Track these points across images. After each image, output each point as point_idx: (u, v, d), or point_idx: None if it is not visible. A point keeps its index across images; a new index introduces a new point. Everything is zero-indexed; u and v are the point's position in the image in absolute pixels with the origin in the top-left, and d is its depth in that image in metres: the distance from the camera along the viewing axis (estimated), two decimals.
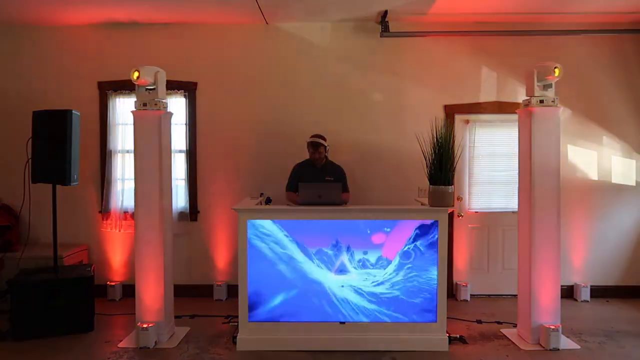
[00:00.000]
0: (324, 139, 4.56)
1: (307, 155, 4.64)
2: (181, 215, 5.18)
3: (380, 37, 4.97)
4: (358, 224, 3.87)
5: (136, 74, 3.79)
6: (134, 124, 4.00)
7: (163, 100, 4.03)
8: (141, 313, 3.98)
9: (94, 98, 5.19)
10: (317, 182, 4.28)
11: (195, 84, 5.19)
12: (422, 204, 4.08)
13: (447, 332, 3.92)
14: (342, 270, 3.85)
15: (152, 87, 3.98)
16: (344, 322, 3.86)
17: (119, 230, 5.15)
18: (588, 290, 5.11)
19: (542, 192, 3.93)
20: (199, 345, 3.98)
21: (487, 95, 5.17)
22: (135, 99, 4.00)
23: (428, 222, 3.84)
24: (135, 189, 4.01)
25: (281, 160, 4.88)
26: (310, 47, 5.18)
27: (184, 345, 3.97)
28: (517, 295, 4.24)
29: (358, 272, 3.85)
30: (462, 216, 5.20)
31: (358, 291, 3.86)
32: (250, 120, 5.18)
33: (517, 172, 4.17)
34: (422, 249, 3.84)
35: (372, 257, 3.84)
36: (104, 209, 5.16)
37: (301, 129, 4.91)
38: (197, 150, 5.22)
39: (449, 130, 3.95)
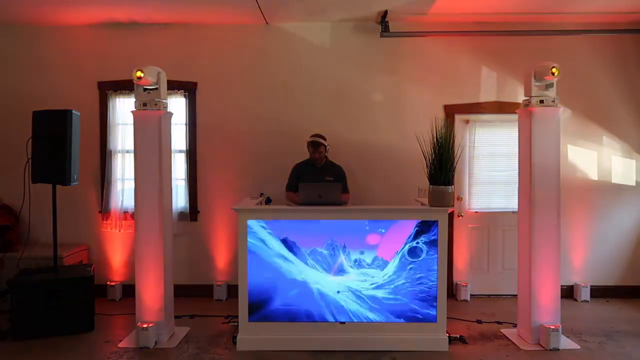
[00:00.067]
0: (324, 139, 4.56)
1: (307, 155, 4.64)
2: (181, 215, 5.18)
3: (380, 37, 4.97)
4: (358, 224, 3.86)
5: (140, 74, 3.79)
6: (134, 124, 4.00)
7: (163, 100, 4.03)
8: (141, 313, 3.98)
9: (94, 98, 5.19)
10: (317, 182, 4.28)
11: (195, 84, 5.19)
12: (422, 204, 4.08)
13: (447, 332, 3.92)
14: (340, 271, 3.85)
15: (152, 88, 3.98)
16: (344, 322, 3.86)
17: (119, 230, 5.15)
18: (588, 290, 5.11)
19: (542, 192, 3.93)
20: (199, 345, 3.98)
21: (487, 95, 5.17)
22: (135, 99, 3.99)
23: (428, 222, 3.83)
24: (135, 189, 4.01)
25: (281, 160, 4.87)
26: (310, 47, 5.18)
27: (184, 345, 3.97)
28: (517, 295, 4.24)
29: (356, 273, 3.84)
30: (462, 216, 5.20)
31: (357, 293, 3.85)
32: (250, 120, 5.18)
33: (517, 172, 4.17)
34: (421, 249, 3.84)
35: (368, 258, 3.84)
36: (104, 209, 5.16)
37: (301, 128, 4.91)
38: (197, 150, 5.22)
39: (449, 130, 3.95)
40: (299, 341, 3.84)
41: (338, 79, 5.17)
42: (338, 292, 3.86)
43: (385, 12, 4.78)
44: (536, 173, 3.93)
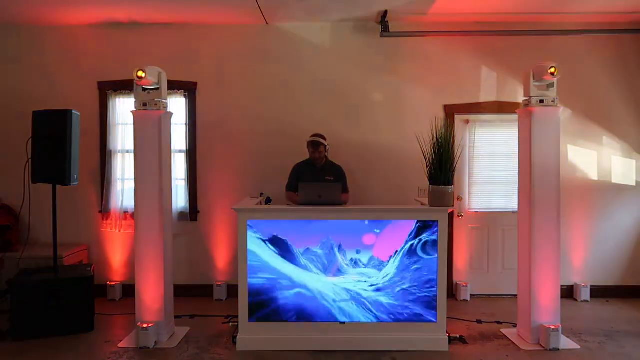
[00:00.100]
0: (324, 139, 4.56)
1: (307, 155, 4.64)
2: (181, 215, 5.18)
3: (380, 37, 4.97)
4: (358, 225, 3.86)
5: (141, 74, 3.79)
6: (134, 124, 4.00)
7: (163, 100, 4.03)
8: (141, 313, 3.98)
9: (94, 98, 5.19)
10: (317, 182, 4.28)
11: (195, 84, 5.19)
12: (422, 204, 4.08)
13: (447, 332, 3.92)
14: (338, 272, 3.85)
15: (153, 88, 3.98)
16: (344, 322, 3.86)
17: (119, 230, 5.15)
18: (588, 290, 5.11)
19: (542, 192, 3.93)
20: (199, 345, 3.98)
21: (487, 95, 5.17)
22: (135, 99, 3.99)
23: (428, 222, 3.83)
24: (135, 189, 4.01)
25: (281, 160, 4.87)
26: (310, 47, 5.18)
27: (184, 345, 3.97)
28: (517, 295, 4.24)
29: (354, 274, 3.84)
30: (462, 216, 5.20)
31: (356, 293, 3.86)
32: (250, 120, 5.18)
33: (517, 172, 4.17)
34: (421, 249, 3.84)
35: (367, 258, 3.84)
36: (104, 209, 5.16)
37: (301, 128, 4.91)
38: (197, 150, 5.22)
39: (449, 130, 3.95)
40: (299, 341, 3.84)
41: (338, 79, 5.17)
42: (337, 292, 3.86)
43: (385, 12, 4.78)
44: (536, 173, 3.93)
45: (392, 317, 3.85)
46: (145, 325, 3.89)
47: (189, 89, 5.17)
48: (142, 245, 3.99)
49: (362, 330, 3.86)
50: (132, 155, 4.35)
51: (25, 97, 5.06)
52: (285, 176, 4.65)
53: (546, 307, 3.93)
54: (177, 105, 5.11)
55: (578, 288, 5.14)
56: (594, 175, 5.21)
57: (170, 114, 4.17)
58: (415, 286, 3.84)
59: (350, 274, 3.85)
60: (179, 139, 5.15)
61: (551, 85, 3.92)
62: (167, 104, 4.11)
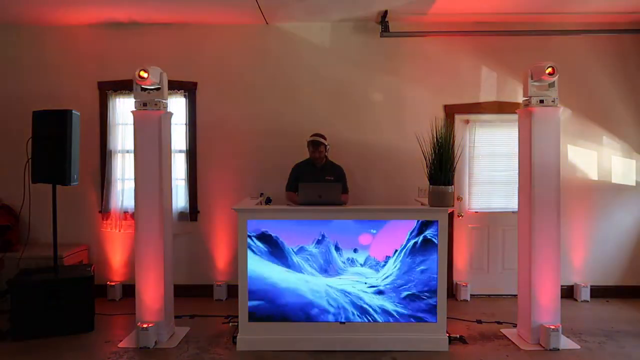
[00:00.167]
0: (324, 138, 4.56)
1: (307, 155, 4.64)
2: (181, 215, 5.18)
3: (380, 37, 4.97)
4: (358, 225, 3.86)
5: (144, 74, 3.80)
6: (134, 124, 4.00)
7: (163, 100, 4.03)
8: (141, 313, 3.98)
9: (94, 98, 5.19)
10: (317, 182, 4.28)
11: (195, 84, 5.19)
12: (422, 204, 4.08)
13: (447, 332, 3.92)
14: (337, 272, 3.85)
15: (153, 88, 3.98)
16: (344, 322, 3.86)
17: (119, 230, 5.15)
18: (588, 290, 5.11)
19: (542, 192, 3.93)
20: (199, 345, 3.98)
21: (487, 95, 5.17)
22: (135, 99, 3.99)
23: (428, 222, 3.83)
24: (135, 189, 4.01)
25: (281, 160, 4.87)
26: (310, 47, 5.18)
27: (184, 345, 3.97)
28: (517, 295, 4.24)
29: (354, 274, 3.84)
30: (462, 216, 5.20)
31: (356, 294, 3.86)
32: (250, 120, 5.18)
33: (517, 172, 4.17)
34: (421, 249, 3.84)
35: (367, 258, 3.84)
36: (104, 209, 5.16)
37: (301, 128, 4.91)
38: (197, 150, 5.22)
39: (449, 130, 3.95)
40: (299, 341, 3.84)
41: (338, 79, 5.17)
42: (337, 292, 3.86)
43: (385, 12, 4.78)
44: (536, 173, 3.93)
45: (392, 317, 3.85)
46: (145, 325, 3.89)
47: (189, 89, 5.17)
48: (142, 245, 3.99)
49: (362, 330, 3.86)
50: (132, 155, 4.35)
51: (25, 97, 5.07)
52: (285, 176, 4.65)
53: (546, 307, 3.93)
54: (177, 105, 5.11)
55: (578, 288, 5.14)
56: (594, 175, 5.21)
57: (170, 114, 4.17)
58: (415, 286, 3.84)
59: (349, 273, 3.85)
60: (179, 139, 5.15)
61: (552, 85, 3.91)
62: (167, 104, 4.11)
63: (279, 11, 4.82)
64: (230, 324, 4.32)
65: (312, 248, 3.85)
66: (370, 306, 3.86)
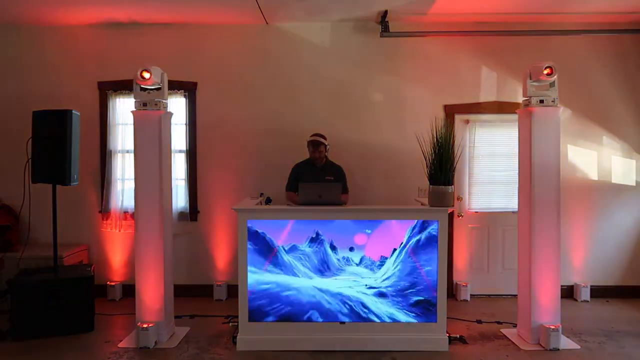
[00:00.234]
0: (325, 138, 4.56)
1: (307, 155, 4.64)
2: (181, 215, 5.18)
3: (380, 37, 4.97)
4: (357, 224, 3.86)
5: (147, 74, 3.81)
6: (134, 124, 4.00)
7: (163, 100, 4.03)
8: (141, 313, 3.98)
9: (94, 98, 5.19)
10: (317, 182, 4.28)
11: (195, 84, 5.19)
12: (422, 204, 4.08)
13: (447, 332, 3.92)
14: (337, 272, 3.85)
15: (153, 88, 3.98)
16: (344, 322, 3.86)
17: (119, 230, 5.15)
18: (588, 290, 5.11)
19: (542, 192, 3.93)
20: (199, 345, 3.98)
21: (487, 95, 5.17)
22: (135, 99, 3.99)
23: (428, 222, 3.83)
24: (135, 189, 4.01)
25: (281, 160, 4.87)
26: (310, 47, 5.18)
27: (184, 345, 3.97)
28: (517, 295, 4.24)
29: (353, 273, 3.84)
30: (462, 216, 5.20)
31: (356, 293, 3.86)
32: (250, 120, 5.18)
33: (517, 172, 4.17)
34: (421, 249, 3.83)
35: (367, 258, 3.84)
36: (104, 209, 5.16)
37: (301, 128, 4.91)
38: (197, 150, 5.22)
39: (449, 130, 3.95)
40: (299, 341, 3.84)
41: (338, 79, 5.17)
42: (338, 292, 3.86)
43: (385, 12, 4.78)
44: (536, 173, 3.93)
45: (392, 317, 3.85)
46: (145, 325, 3.89)
47: (189, 89, 5.17)
48: (142, 245, 3.99)
49: (362, 330, 3.86)
50: (132, 155, 4.35)
51: (25, 97, 5.06)
52: (285, 176, 4.65)
53: (546, 307, 3.93)
54: (177, 105, 5.11)
55: (578, 288, 5.14)
56: (594, 175, 5.21)
57: (170, 114, 4.17)
58: (415, 286, 3.84)
59: (350, 274, 3.85)
60: (179, 139, 5.15)
61: (552, 85, 3.91)
62: (167, 104, 4.11)
63: (279, 11, 4.82)
64: (230, 324, 4.32)
65: (305, 247, 3.84)
66: (377, 316, 3.85)
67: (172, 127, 4.26)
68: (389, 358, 3.72)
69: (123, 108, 5.13)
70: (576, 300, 5.14)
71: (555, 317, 3.94)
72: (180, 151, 5.19)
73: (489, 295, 5.25)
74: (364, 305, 3.85)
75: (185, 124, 5.20)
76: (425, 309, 3.85)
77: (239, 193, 5.05)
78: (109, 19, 5.00)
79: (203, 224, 5.25)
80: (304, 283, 3.84)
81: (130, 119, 4.46)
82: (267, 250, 3.84)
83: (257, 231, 3.84)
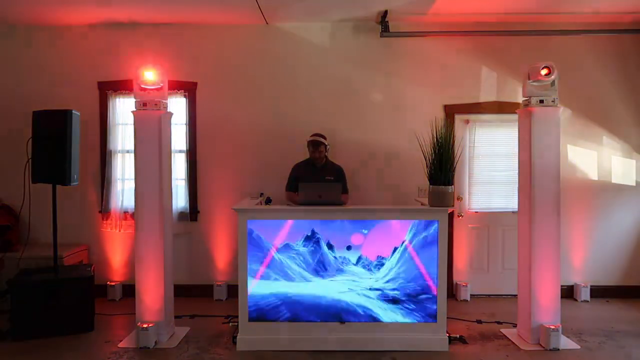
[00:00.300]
0: (325, 138, 4.56)
1: (307, 155, 4.64)
2: (181, 215, 5.18)
3: (380, 37, 4.97)
4: (357, 224, 3.86)
5: (149, 74, 3.81)
6: (134, 124, 4.00)
7: (163, 101, 4.03)
8: (141, 313, 3.98)
9: (94, 98, 5.19)
10: (317, 182, 4.28)
11: (195, 84, 5.19)
12: (422, 204, 4.08)
13: (447, 332, 3.92)
14: (337, 272, 3.85)
15: (153, 88, 3.97)
16: (344, 322, 3.86)
17: (119, 230, 5.15)
18: (588, 290, 5.11)
19: (542, 192, 3.93)
20: (199, 345, 3.98)
21: (487, 95, 5.17)
22: (135, 99, 3.99)
23: (428, 222, 3.83)
24: (135, 189, 4.01)
25: (281, 160, 4.88)
26: (310, 47, 5.18)
27: (184, 345, 3.97)
28: (517, 295, 4.23)
29: (352, 274, 3.84)
30: (462, 216, 5.20)
31: (355, 294, 3.86)
32: (250, 120, 5.18)
33: (517, 172, 4.17)
34: (421, 249, 3.83)
35: (366, 258, 3.85)
36: (104, 209, 5.16)
37: (301, 128, 4.91)
38: (197, 150, 5.22)
39: (449, 130, 3.95)
40: (299, 341, 3.84)
41: (338, 79, 5.17)
42: (339, 293, 3.86)
43: (385, 12, 4.78)
44: (536, 173, 3.93)
45: (392, 317, 3.85)
46: (145, 325, 3.89)
47: (189, 89, 5.17)
48: (142, 245, 3.99)
49: (362, 330, 3.86)
50: (132, 155, 4.35)
51: (25, 97, 5.06)
52: (285, 176, 4.65)
53: (546, 307, 3.93)
54: (177, 105, 5.11)
55: (578, 288, 5.14)
56: (594, 175, 5.21)
57: (170, 114, 4.17)
58: (415, 286, 3.84)
59: (349, 274, 3.84)
60: (179, 139, 5.15)
61: (552, 85, 3.91)
62: (167, 104, 4.11)
63: (279, 11, 4.82)
64: (230, 324, 4.32)
65: (300, 247, 3.84)
66: (378, 316, 3.85)
67: (172, 127, 4.26)
68: (389, 358, 3.72)
69: (123, 108, 5.13)
70: (576, 300, 5.14)
71: (555, 317, 3.94)
72: (180, 151, 5.19)
73: (489, 295, 5.25)
74: (365, 307, 3.85)
75: (185, 124, 5.20)
76: (425, 309, 3.84)
77: (239, 193, 5.05)
78: (109, 19, 5.00)
79: (203, 224, 5.25)
80: (302, 290, 3.83)
81: (130, 119, 4.47)
82: (263, 254, 3.83)
83: (254, 232, 3.84)
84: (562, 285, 4.14)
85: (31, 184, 4.31)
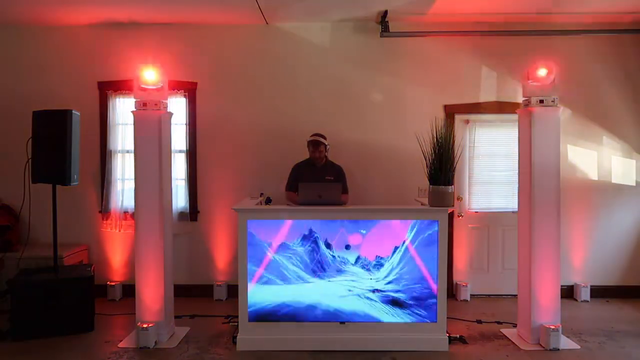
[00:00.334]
0: (324, 138, 4.57)
1: (307, 155, 4.65)
2: (181, 215, 5.18)
3: (380, 37, 4.97)
4: (357, 224, 3.86)
5: (148, 74, 3.80)
6: (134, 124, 4.00)
7: (163, 101, 4.03)
8: (141, 313, 3.98)
9: (94, 98, 5.19)
10: (317, 182, 4.28)
11: (195, 84, 5.19)
12: (422, 204, 4.08)
13: (447, 332, 3.92)
14: (337, 272, 3.85)
15: (153, 88, 3.97)
16: (344, 322, 3.86)
17: (119, 230, 5.15)
18: (588, 290, 5.11)
19: (542, 192, 3.93)
20: (199, 345, 3.98)
21: (487, 95, 5.17)
22: (135, 99, 3.99)
23: (428, 222, 3.83)
24: (135, 189, 4.01)
25: (281, 160, 4.87)
26: (310, 47, 5.18)
27: (184, 345, 3.97)
28: (517, 295, 4.23)
29: (352, 274, 3.84)
30: (462, 216, 5.20)
31: (354, 294, 3.86)
32: (250, 120, 5.18)
33: (517, 172, 4.17)
34: (421, 249, 3.83)
35: (365, 258, 3.84)
36: (104, 209, 5.16)
37: (301, 128, 4.91)
38: (197, 150, 5.22)
39: (449, 130, 3.95)
40: (299, 341, 3.84)
41: (338, 79, 5.17)
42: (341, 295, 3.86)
43: (385, 12, 4.78)
44: (536, 173, 3.93)
45: (392, 316, 3.85)
46: (145, 325, 3.89)
47: (189, 89, 5.17)
48: (142, 245, 3.99)
49: (362, 330, 3.86)
50: (132, 155, 4.35)
51: (25, 97, 5.06)
52: (285, 176, 4.65)
53: (546, 307, 3.93)
54: (177, 105, 5.11)
55: (578, 288, 5.14)
56: (594, 175, 5.21)
57: (170, 114, 4.17)
58: (415, 286, 3.84)
59: (348, 274, 3.84)
60: (179, 139, 5.15)
61: (552, 84, 3.91)
62: (167, 104, 4.11)
63: (279, 11, 4.82)
64: (230, 324, 4.32)
65: (298, 246, 3.84)
66: (378, 316, 3.86)
67: (172, 127, 4.26)
68: (389, 358, 3.72)
69: (123, 108, 5.13)
70: (576, 300, 5.14)
71: (555, 317, 3.94)
72: (180, 151, 5.19)
73: (489, 295, 5.25)
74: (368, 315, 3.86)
75: (185, 124, 5.20)
76: (425, 309, 3.84)
77: (239, 193, 5.05)
78: (109, 19, 5.00)
79: (203, 224, 5.25)
80: (301, 294, 3.83)
81: (130, 119, 4.46)
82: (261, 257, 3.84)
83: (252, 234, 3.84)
84: (562, 285, 4.14)
85: (31, 184, 4.31)
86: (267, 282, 3.83)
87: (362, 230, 3.84)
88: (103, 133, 5.18)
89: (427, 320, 3.85)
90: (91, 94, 5.18)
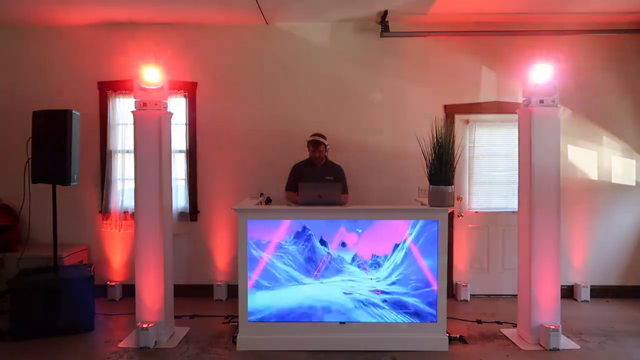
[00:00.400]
0: (324, 138, 4.57)
1: (306, 155, 4.65)
2: (181, 215, 5.18)
3: (380, 37, 4.97)
4: (357, 224, 3.86)
5: (148, 74, 3.81)
6: (134, 124, 4.00)
7: (163, 101, 4.03)
8: (141, 313, 3.98)
9: (94, 98, 5.19)
10: (317, 182, 4.28)
11: (195, 84, 5.19)
12: (422, 204, 4.08)
13: (447, 332, 3.91)
14: (336, 272, 3.85)
15: (153, 88, 3.97)
16: (344, 322, 3.86)
17: (119, 230, 5.15)
18: (588, 290, 5.11)
19: (542, 192, 3.93)
20: (199, 345, 3.98)
21: (487, 95, 5.17)
22: (135, 99, 3.99)
23: (428, 222, 3.83)
24: (135, 189, 4.01)
25: (281, 160, 4.87)
26: (310, 47, 5.18)
27: (184, 345, 3.97)
28: (517, 295, 4.23)
29: (351, 274, 3.84)
30: (462, 216, 5.20)
31: (354, 295, 3.86)
32: (250, 120, 5.18)
33: (517, 172, 4.17)
34: (422, 249, 3.83)
35: (362, 258, 3.84)
36: (104, 209, 5.16)
37: (301, 128, 4.91)
38: (197, 150, 5.22)
39: (449, 130, 3.95)
40: (299, 341, 3.84)
41: (338, 79, 5.17)
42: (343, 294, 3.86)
43: (385, 12, 4.78)
44: (536, 173, 3.93)
45: (392, 317, 3.85)
46: (145, 325, 3.89)
47: (189, 89, 5.17)
48: (142, 245, 3.99)
49: (362, 330, 3.86)
50: (132, 155, 4.35)
51: (25, 97, 5.06)
52: (285, 176, 4.65)
53: (546, 307, 3.93)
54: (177, 105, 5.11)
55: (578, 288, 5.14)
56: (594, 175, 5.21)
57: (170, 114, 4.17)
58: (415, 286, 3.84)
59: (348, 274, 3.84)
60: (179, 139, 5.15)
61: (553, 84, 3.91)
62: (167, 104, 4.11)
63: (279, 11, 4.82)
64: (230, 324, 4.32)
65: (293, 246, 3.84)
66: (378, 315, 3.85)
67: (172, 127, 4.25)
68: (389, 358, 3.72)
69: (123, 108, 5.13)
70: (576, 300, 5.14)
71: (555, 317, 3.94)
72: (180, 151, 5.19)
73: (489, 295, 5.25)
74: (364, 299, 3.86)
75: (185, 124, 5.20)
76: (425, 309, 3.84)
77: (239, 193, 5.04)
78: (109, 19, 5.00)
79: (203, 224, 5.25)
80: (301, 296, 3.83)
81: (130, 119, 4.46)
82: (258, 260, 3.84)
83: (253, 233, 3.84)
84: (562, 285, 4.14)
85: (31, 184, 4.31)
86: (261, 289, 3.83)
87: (358, 230, 3.83)
88: (103, 133, 5.18)
89: (427, 320, 3.84)
90: (91, 94, 5.18)
